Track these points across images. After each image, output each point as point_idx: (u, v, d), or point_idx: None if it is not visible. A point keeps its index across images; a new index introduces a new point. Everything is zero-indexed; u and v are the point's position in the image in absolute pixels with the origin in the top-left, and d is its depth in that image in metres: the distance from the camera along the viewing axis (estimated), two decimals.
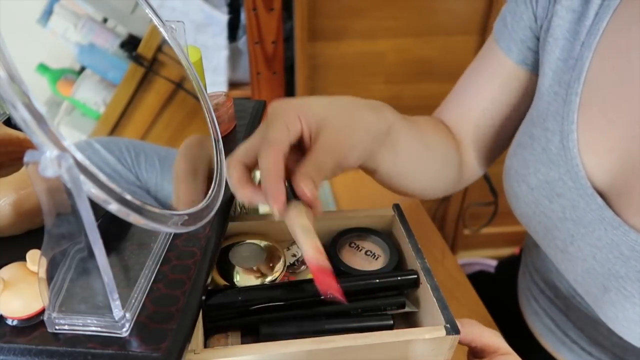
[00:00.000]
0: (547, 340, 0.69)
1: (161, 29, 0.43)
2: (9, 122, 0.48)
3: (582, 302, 0.60)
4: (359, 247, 0.51)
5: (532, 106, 0.58)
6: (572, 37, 0.51)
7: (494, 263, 1.51)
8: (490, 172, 0.78)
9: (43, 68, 0.32)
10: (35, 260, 0.34)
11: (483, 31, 1.22)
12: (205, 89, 0.48)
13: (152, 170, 0.38)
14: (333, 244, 0.50)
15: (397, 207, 0.52)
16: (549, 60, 0.54)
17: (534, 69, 0.59)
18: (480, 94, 0.62)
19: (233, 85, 1.23)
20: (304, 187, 0.38)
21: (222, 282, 0.45)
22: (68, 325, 0.34)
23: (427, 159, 0.57)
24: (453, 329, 0.41)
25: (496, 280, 0.91)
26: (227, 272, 0.46)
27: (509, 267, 0.86)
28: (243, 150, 0.41)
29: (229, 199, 0.46)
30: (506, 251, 1.60)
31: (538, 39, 0.57)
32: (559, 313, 0.65)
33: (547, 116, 0.54)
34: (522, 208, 0.59)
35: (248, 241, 0.49)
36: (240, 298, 0.43)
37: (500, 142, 0.65)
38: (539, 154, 0.54)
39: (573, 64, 0.51)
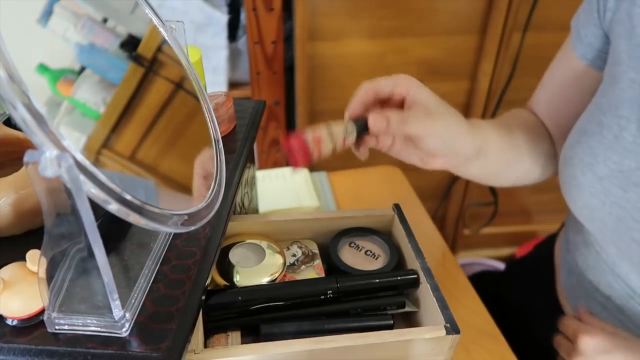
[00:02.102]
0: None
1: (161, 29, 0.43)
2: (9, 122, 0.48)
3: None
4: (359, 247, 0.51)
5: (598, 94, 0.57)
6: None
7: (494, 263, 1.51)
8: None
9: (43, 68, 0.32)
10: (35, 260, 0.34)
11: (483, 31, 1.22)
12: (205, 89, 0.48)
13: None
14: (333, 244, 0.50)
15: (397, 207, 0.52)
16: (626, 47, 0.53)
17: (592, 63, 0.61)
18: (560, 95, 0.67)
19: (233, 85, 1.23)
20: (375, 116, 0.47)
21: (222, 282, 0.45)
22: (68, 325, 0.34)
23: (515, 161, 0.64)
24: (453, 329, 0.41)
25: (504, 280, 0.90)
26: (227, 272, 0.46)
27: (518, 266, 0.85)
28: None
29: (229, 199, 0.47)
30: (506, 251, 1.60)
31: (604, 37, 0.59)
32: (612, 318, 0.63)
33: (620, 103, 0.53)
34: (587, 199, 0.57)
35: (248, 241, 0.49)
36: (240, 298, 0.43)
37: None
38: (609, 141, 0.54)
39: None
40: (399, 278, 0.46)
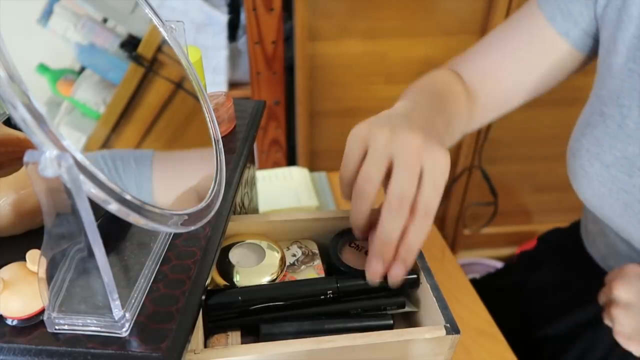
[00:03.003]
0: None
1: (161, 29, 0.43)
2: (9, 122, 0.48)
3: None
4: (359, 247, 0.51)
5: (597, 86, 0.58)
6: None
7: (494, 263, 1.51)
8: (491, 172, 0.78)
9: (43, 68, 0.32)
10: (35, 260, 0.34)
11: (483, 31, 1.22)
12: (205, 89, 0.48)
13: (130, 171, 0.37)
14: (333, 244, 0.50)
15: None
16: (623, 38, 0.54)
17: (575, 44, 0.60)
18: (511, 56, 0.63)
19: (233, 85, 1.23)
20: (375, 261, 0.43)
21: (222, 282, 0.45)
22: (68, 325, 0.34)
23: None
24: (453, 329, 0.41)
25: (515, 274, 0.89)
26: (227, 272, 0.46)
27: (531, 258, 0.85)
28: (346, 172, 0.45)
29: (229, 199, 0.47)
30: (506, 251, 1.60)
31: (593, 19, 0.58)
32: None
33: (621, 93, 0.54)
34: (596, 188, 0.58)
35: (248, 241, 0.49)
36: (240, 298, 0.43)
37: (508, 106, 0.67)
38: (613, 131, 0.55)
39: None
40: None
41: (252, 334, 0.44)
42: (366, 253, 0.51)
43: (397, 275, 0.42)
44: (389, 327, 0.45)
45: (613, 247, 0.65)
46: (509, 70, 0.64)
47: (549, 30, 0.61)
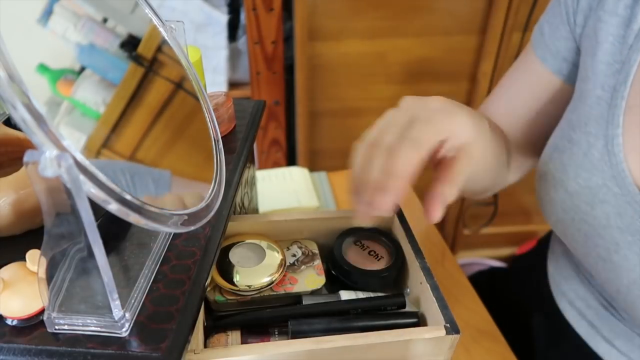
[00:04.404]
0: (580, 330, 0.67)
1: (161, 29, 0.43)
2: (9, 122, 0.48)
3: (616, 314, 0.59)
4: (364, 246, 0.51)
5: (569, 110, 0.58)
6: (618, 41, 0.51)
7: (493, 263, 1.51)
8: None
9: (43, 68, 0.32)
10: (35, 260, 0.34)
11: (483, 31, 1.22)
12: (205, 89, 0.48)
13: (146, 192, 0.37)
14: (338, 243, 0.50)
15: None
16: (591, 64, 0.54)
17: (568, 79, 0.60)
18: (516, 100, 0.65)
19: (233, 85, 1.23)
20: (437, 208, 0.39)
21: (222, 282, 0.45)
22: (68, 325, 0.34)
23: (498, 165, 0.60)
24: (453, 329, 0.41)
25: (505, 277, 0.89)
26: (227, 272, 0.46)
27: (517, 262, 0.85)
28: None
29: (229, 199, 0.47)
30: (506, 251, 1.60)
31: (577, 50, 0.58)
32: (590, 327, 0.64)
33: (589, 120, 0.53)
34: (559, 214, 0.57)
35: (248, 241, 0.49)
36: None
37: (536, 147, 0.67)
38: (579, 158, 0.54)
39: (619, 67, 0.51)
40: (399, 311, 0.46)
41: (252, 334, 0.44)
42: (370, 252, 0.51)
43: (380, 204, 0.37)
44: (415, 325, 0.44)
45: (576, 270, 0.64)
46: (519, 113, 0.65)
47: (544, 70, 0.62)
